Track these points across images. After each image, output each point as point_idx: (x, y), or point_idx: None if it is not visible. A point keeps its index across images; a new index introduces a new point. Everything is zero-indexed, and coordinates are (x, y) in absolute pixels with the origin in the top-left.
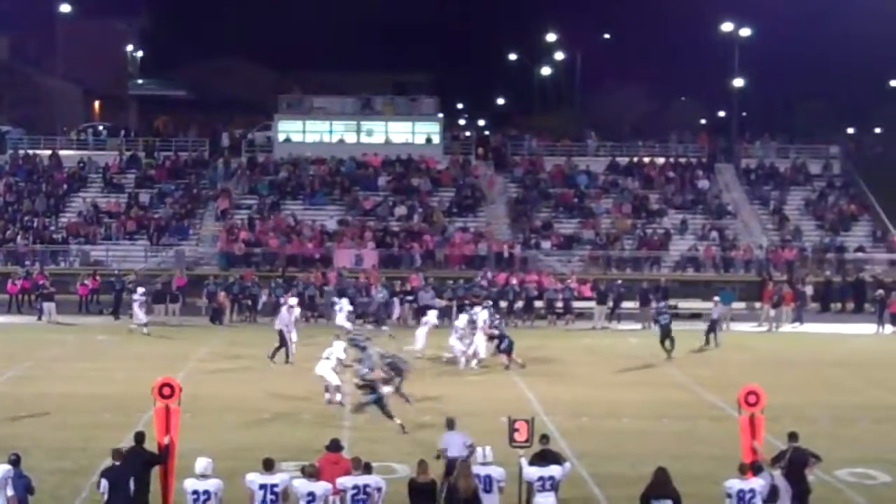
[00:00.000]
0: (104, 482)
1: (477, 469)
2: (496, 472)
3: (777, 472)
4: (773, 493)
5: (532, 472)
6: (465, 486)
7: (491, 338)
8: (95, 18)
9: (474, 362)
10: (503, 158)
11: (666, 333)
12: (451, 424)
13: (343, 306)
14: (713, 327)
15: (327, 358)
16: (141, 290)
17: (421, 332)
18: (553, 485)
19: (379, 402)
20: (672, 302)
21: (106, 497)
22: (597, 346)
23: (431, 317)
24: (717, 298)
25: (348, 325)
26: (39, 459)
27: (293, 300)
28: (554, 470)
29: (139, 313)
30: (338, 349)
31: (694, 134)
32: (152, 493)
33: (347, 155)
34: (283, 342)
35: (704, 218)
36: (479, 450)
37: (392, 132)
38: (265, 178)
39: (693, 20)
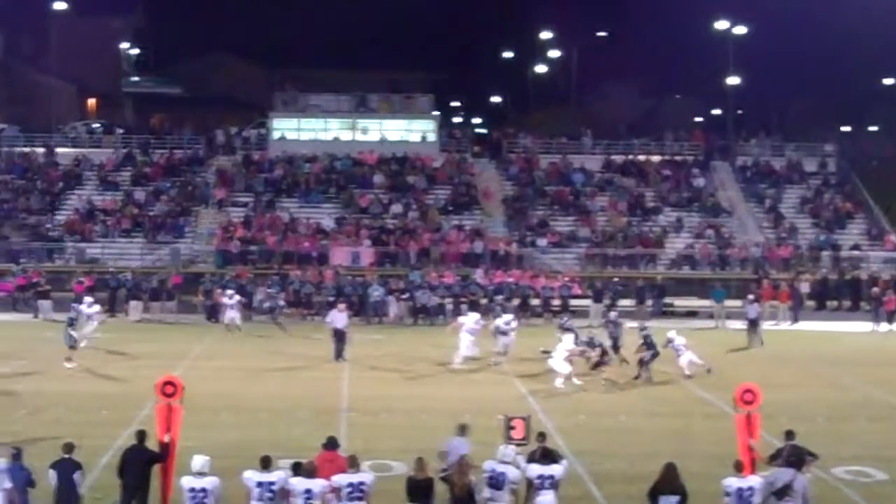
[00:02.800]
0: (52, 473)
1: (493, 465)
2: (512, 472)
3: (804, 472)
4: (784, 489)
5: (533, 470)
6: (460, 484)
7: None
8: (90, 16)
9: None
10: (500, 154)
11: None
12: (462, 431)
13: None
14: (753, 326)
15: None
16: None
17: (464, 339)
18: (553, 483)
19: None
20: (668, 300)
21: (54, 489)
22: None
23: (470, 320)
24: (750, 297)
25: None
26: (35, 456)
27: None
28: (555, 469)
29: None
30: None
31: (689, 132)
32: (152, 490)
33: (343, 153)
34: (340, 340)
35: (700, 216)
36: (503, 448)
37: (387, 130)
38: (260, 175)
39: (688, 18)
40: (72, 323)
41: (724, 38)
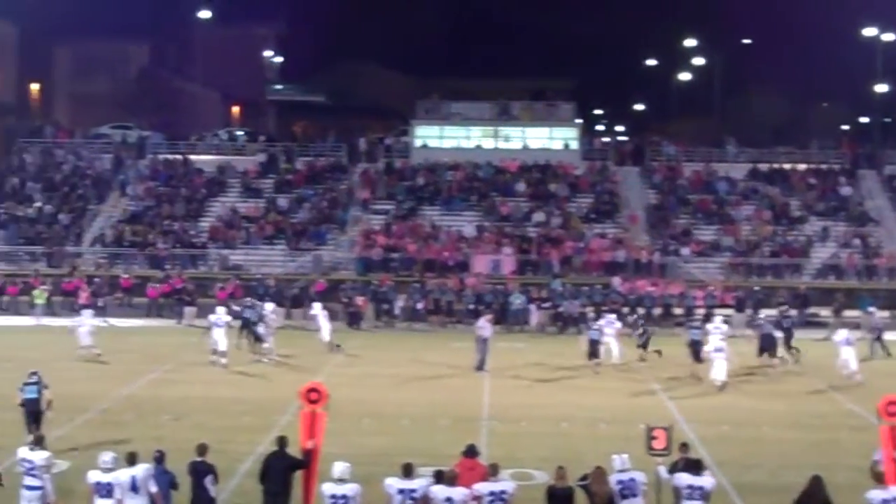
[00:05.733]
0: (189, 477)
1: (619, 476)
2: (639, 475)
3: None
4: None
5: (682, 479)
6: (600, 493)
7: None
8: (234, 24)
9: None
10: (643, 163)
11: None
12: None
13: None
14: (878, 336)
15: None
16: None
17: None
18: (703, 495)
19: None
20: (813, 310)
21: (191, 490)
22: (735, 354)
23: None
24: (871, 309)
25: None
26: (178, 461)
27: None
28: (706, 481)
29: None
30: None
31: (836, 140)
32: (293, 496)
33: (484, 160)
34: (484, 348)
35: (846, 225)
36: (615, 458)
37: (529, 138)
38: (402, 183)
39: (834, 25)
40: (256, 322)
41: (871, 45)
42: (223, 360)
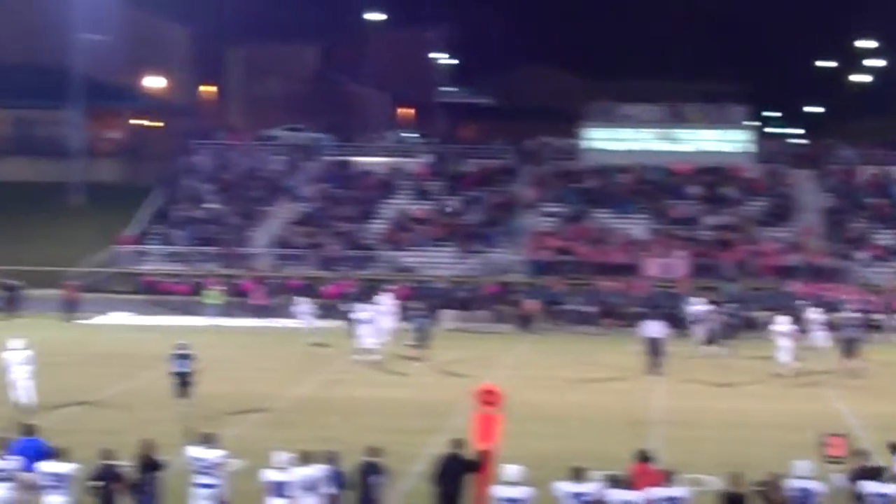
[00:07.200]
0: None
1: (794, 483)
2: (816, 486)
3: None
4: None
5: (868, 486)
6: (778, 500)
7: None
8: (404, 27)
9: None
10: (819, 166)
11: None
12: None
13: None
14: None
15: None
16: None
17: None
18: (887, 502)
19: None
20: None
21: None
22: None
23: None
24: None
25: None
26: (347, 462)
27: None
28: (893, 488)
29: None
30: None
31: None
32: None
33: (656, 163)
34: (655, 352)
35: None
36: (798, 464)
37: (702, 140)
38: (572, 186)
39: None
40: (421, 327)
41: None
42: (371, 357)
